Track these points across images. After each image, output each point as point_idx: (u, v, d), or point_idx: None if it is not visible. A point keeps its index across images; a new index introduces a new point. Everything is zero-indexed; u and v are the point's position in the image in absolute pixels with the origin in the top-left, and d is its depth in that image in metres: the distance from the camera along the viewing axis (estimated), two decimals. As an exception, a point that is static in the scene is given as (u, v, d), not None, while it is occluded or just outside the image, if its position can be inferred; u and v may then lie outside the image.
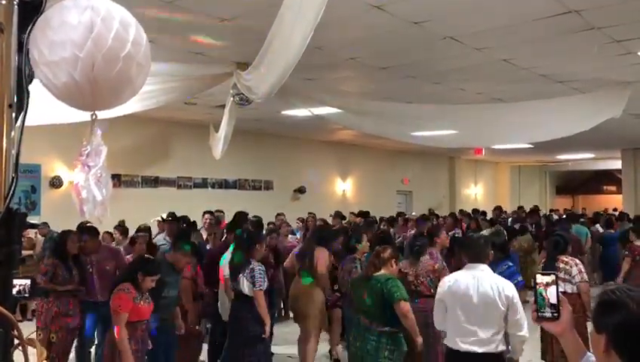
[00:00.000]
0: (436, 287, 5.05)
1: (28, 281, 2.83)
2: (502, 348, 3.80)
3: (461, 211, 14.38)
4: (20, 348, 1.44)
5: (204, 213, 8.79)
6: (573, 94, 8.23)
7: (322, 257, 6.17)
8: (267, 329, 5.23)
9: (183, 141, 12.28)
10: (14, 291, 1.60)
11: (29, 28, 1.51)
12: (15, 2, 1.46)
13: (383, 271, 4.51)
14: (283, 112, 10.54)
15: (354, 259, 6.12)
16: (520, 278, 5.12)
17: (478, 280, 3.83)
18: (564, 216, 14.63)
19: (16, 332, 1.41)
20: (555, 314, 1.75)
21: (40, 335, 5.27)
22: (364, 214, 11.66)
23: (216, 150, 8.55)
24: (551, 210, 18.99)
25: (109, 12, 1.57)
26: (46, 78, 1.55)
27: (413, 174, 19.21)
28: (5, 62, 1.45)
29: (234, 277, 5.29)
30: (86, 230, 6.10)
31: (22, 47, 1.51)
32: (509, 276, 4.51)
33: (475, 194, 22.99)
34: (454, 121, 8.48)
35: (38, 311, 5.54)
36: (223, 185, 13.45)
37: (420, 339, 4.50)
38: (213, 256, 6.58)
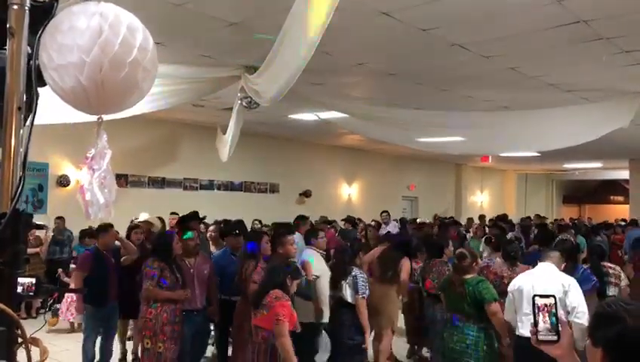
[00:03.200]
0: None
1: (33, 280, 2.87)
2: None
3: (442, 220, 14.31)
4: (23, 346, 1.46)
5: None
6: (582, 104, 8.21)
7: (406, 267, 6.36)
8: (367, 338, 5.22)
9: (190, 143, 12.34)
10: (19, 289, 1.61)
11: (40, 32, 1.54)
12: (26, 7, 1.49)
13: (472, 275, 4.97)
14: (290, 116, 10.57)
15: (445, 262, 6.37)
16: (595, 279, 5.56)
17: (540, 277, 4.51)
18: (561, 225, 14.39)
19: (19, 331, 1.43)
20: (556, 337, 1.74)
21: (148, 343, 4.98)
22: (350, 220, 12.07)
23: (223, 152, 8.59)
24: (556, 219, 18.91)
25: (116, 17, 1.59)
26: (54, 81, 1.57)
27: (419, 180, 19.18)
28: (15, 65, 1.47)
29: (334, 284, 5.31)
30: (188, 228, 5.78)
31: (32, 50, 1.53)
32: (585, 278, 5.23)
33: (481, 201, 22.92)
34: (461, 128, 8.47)
35: (144, 317, 5.09)
36: (229, 187, 13.49)
37: (507, 340, 4.83)
38: None
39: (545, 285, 4.29)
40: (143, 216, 8.40)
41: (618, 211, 22.16)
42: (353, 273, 5.28)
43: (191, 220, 7.06)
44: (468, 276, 4.93)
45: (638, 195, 17.80)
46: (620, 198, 24.07)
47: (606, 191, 25.73)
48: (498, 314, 4.74)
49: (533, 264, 4.92)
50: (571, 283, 4.43)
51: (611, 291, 5.98)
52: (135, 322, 6.44)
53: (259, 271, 5.32)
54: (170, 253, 5.31)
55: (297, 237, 6.42)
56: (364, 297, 5.20)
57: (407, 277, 6.32)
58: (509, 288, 4.72)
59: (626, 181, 19.38)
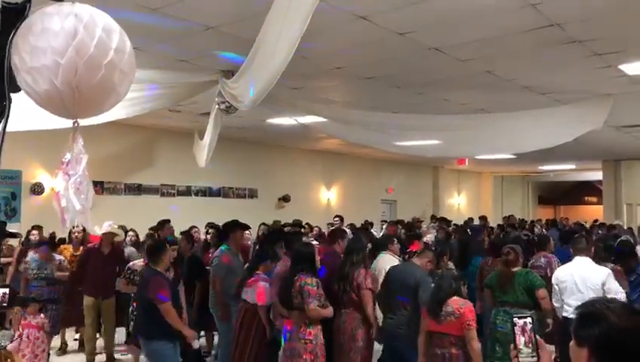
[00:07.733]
0: None
1: (6, 290, 2.78)
2: None
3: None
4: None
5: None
6: (556, 106, 8.33)
7: None
8: None
9: (167, 148, 12.21)
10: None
11: (12, 34, 1.49)
12: (-3, 8, 1.44)
13: (518, 268, 5.63)
14: (268, 120, 10.53)
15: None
16: None
17: (583, 268, 5.45)
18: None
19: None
20: (535, 358, 1.74)
21: None
22: (295, 224, 11.15)
23: (201, 158, 8.51)
24: (532, 221, 19.16)
25: (92, 19, 1.55)
26: (27, 84, 1.52)
27: (397, 183, 19.27)
28: (-14, 68, 1.42)
29: None
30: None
31: (4, 53, 1.49)
32: (637, 284, 5.81)
33: (459, 204, 23.11)
34: (438, 131, 8.52)
35: (303, 339, 4.74)
36: (207, 193, 13.37)
37: (550, 320, 5.61)
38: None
39: (587, 272, 5.33)
40: (105, 226, 7.75)
41: (593, 211, 22.53)
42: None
43: (233, 229, 6.57)
44: (515, 269, 5.59)
45: (610, 196, 18.11)
46: (594, 199, 24.48)
47: (580, 192, 26.13)
48: (547, 298, 5.48)
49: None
50: (608, 272, 5.34)
51: None
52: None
53: (370, 277, 5.35)
54: (316, 267, 4.95)
55: None
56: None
57: None
58: (553, 281, 5.61)
59: (600, 182, 19.71)
